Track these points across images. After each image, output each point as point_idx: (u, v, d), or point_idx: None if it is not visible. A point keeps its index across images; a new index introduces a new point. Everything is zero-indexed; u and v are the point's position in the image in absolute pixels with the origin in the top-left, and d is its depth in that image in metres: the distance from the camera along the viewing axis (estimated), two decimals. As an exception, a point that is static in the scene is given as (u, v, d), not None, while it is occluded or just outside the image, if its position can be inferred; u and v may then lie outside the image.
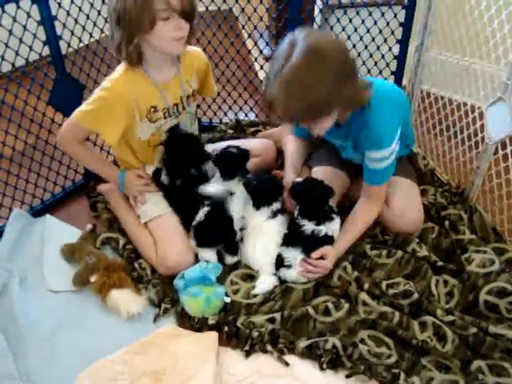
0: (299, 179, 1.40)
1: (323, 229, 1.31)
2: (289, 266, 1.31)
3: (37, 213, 1.58)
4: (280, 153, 1.66)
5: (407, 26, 1.67)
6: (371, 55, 1.78)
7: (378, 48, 1.75)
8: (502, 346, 1.15)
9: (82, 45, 1.58)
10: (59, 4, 1.46)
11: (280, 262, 1.32)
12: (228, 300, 1.29)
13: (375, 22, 1.71)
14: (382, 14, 1.71)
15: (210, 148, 1.50)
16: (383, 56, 1.76)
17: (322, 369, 1.14)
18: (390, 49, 1.74)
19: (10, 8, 1.34)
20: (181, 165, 1.40)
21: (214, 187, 1.37)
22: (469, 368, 1.12)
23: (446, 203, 1.54)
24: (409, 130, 1.51)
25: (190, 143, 1.41)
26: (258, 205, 1.37)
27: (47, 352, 1.20)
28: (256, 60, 1.94)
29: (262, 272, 1.34)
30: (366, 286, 1.29)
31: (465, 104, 1.56)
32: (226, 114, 1.96)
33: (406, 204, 1.42)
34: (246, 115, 1.98)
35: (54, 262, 1.41)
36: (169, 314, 1.28)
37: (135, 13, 1.19)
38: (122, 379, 1.12)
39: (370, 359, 1.14)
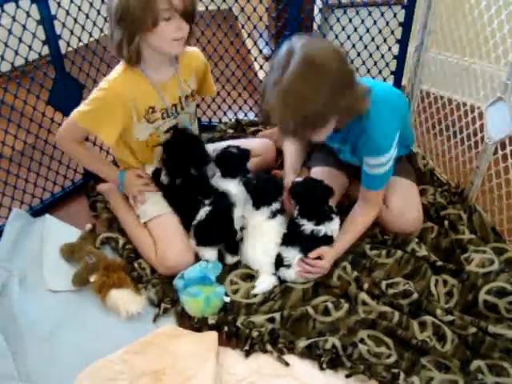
0: (299, 179, 1.40)
1: (322, 229, 1.32)
2: (288, 266, 1.31)
3: (36, 212, 1.57)
4: (280, 152, 1.66)
5: (407, 25, 1.67)
6: (371, 55, 1.78)
7: (378, 48, 1.75)
8: (502, 345, 1.15)
9: (81, 44, 1.58)
10: (58, 3, 1.46)
11: (279, 262, 1.33)
12: (228, 300, 1.29)
13: (375, 22, 1.71)
14: (382, 14, 1.71)
15: (211, 148, 1.50)
16: (383, 56, 1.76)
17: (321, 368, 1.14)
18: (389, 48, 1.74)
19: (10, 7, 1.33)
20: (181, 165, 1.40)
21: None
22: (468, 368, 1.13)
23: (446, 203, 1.55)
24: (408, 131, 1.51)
25: (192, 144, 1.41)
26: (257, 204, 1.37)
27: (47, 352, 1.19)
28: (255, 59, 1.94)
29: (262, 272, 1.34)
30: (366, 285, 1.29)
31: (464, 104, 1.56)
32: (225, 113, 1.96)
33: (405, 204, 1.42)
34: (246, 115, 1.98)
35: (54, 261, 1.40)
36: (168, 314, 1.28)
37: (138, 12, 1.19)
38: (122, 379, 1.12)
39: (369, 359, 1.14)
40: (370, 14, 1.71)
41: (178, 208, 1.42)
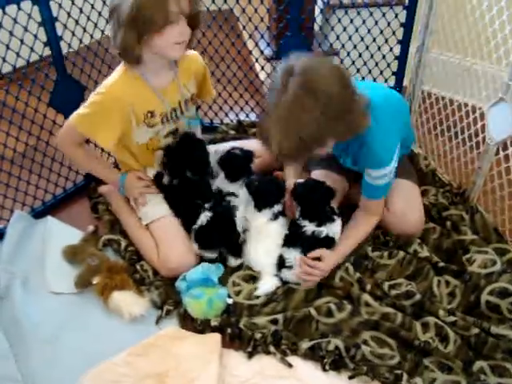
0: (301, 180, 1.41)
1: (324, 230, 1.32)
2: (290, 267, 1.31)
3: (38, 214, 1.57)
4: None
5: (408, 26, 1.68)
6: (372, 56, 1.78)
7: (379, 48, 1.76)
8: (504, 346, 1.15)
9: (82, 46, 1.57)
10: (60, 5, 1.46)
11: (281, 263, 1.33)
12: (230, 301, 1.28)
13: (376, 23, 1.71)
14: (383, 15, 1.70)
15: (212, 149, 1.50)
16: (384, 56, 1.77)
17: (324, 370, 1.14)
18: (391, 49, 1.74)
19: (11, 9, 1.33)
20: (181, 167, 1.40)
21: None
22: (471, 369, 1.13)
23: (448, 204, 1.55)
24: (409, 133, 1.50)
25: (194, 147, 1.41)
26: (259, 206, 1.37)
27: (49, 354, 1.19)
28: (257, 60, 1.94)
29: (264, 273, 1.34)
30: (368, 287, 1.29)
31: (466, 104, 1.56)
32: (227, 114, 1.96)
33: (406, 206, 1.42)
34: (247, 116, 1.98)
35: (56, 263, 1.40)
36: (171, 316, 1.28)
37: (150, 13, 1.18)
38: (125, 381, 1.12)
39: (372, 360, 1.14)
40: (371, 14, 1.71)
41: (178, 211, 1.42)
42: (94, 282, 1.31)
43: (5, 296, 1.30)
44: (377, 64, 1.79)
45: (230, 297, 1.30)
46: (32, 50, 1.41)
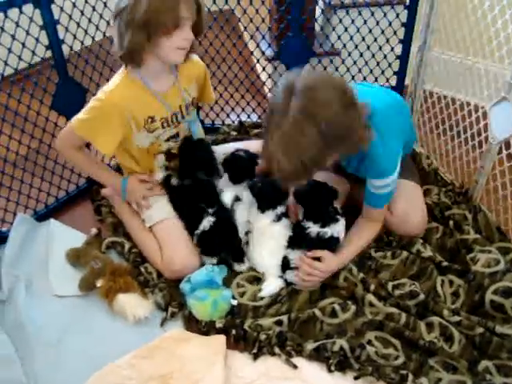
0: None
1: (328, 231, 1.31)
2: (294, 269, 1.31)
3: (41, 217, 1.57)
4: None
5: (409, 25, 1.67)
6: (373, 55, 1.78)
7: (381, 48, 1.76)
8: (509, 345, 1.15)
9: (84, 48, 1.57)
10: (61, 8, 1.46)
11: (286, 265, 1.32)
12: (235, 303, 1.28)
13: (377, 22, 1.71)
14: (385, 14, 1.70)
15: (220, 151, 1.49)
16: (385, 56, 1.77)
17: (329, 371, 1.14)
18: (392, 49, 1.74)
19: (13, 13, 1.33)
20: (190, 169, 1.41)
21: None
22: (476, 368, 1.12)
23: (450, 203, 1.54)
24: (411, 134, 1.50)
25: (202, 149, 1.42)
26: (262, 208, 1.37)
27: (54, 357, 1.19)
28: (258, 61, 1.94)
29: (268, 274, 1.34)
30: (372, 287, 1.29)
31: (468, 103, 1.56)
32: (228, 115, 1.95)
33: (409, 207, 1.41)
34: (249, 117, 1.98)
35: (60, 266, 1.40)
36: (176, 318, 1.28)
37: (163, 16, 1.18)
38: (130, 384, 1.12)
39: (377, 360, 1.14)
40: (372, 14, 1.71)
41: (182, 213, 1.41)
42: (98, 285, 1.31)
43: (8, 299, 1.30)
44: (378, 64, 1.79)
45: (234, 298, 1.30)
46: (34, 53, 1.41)
